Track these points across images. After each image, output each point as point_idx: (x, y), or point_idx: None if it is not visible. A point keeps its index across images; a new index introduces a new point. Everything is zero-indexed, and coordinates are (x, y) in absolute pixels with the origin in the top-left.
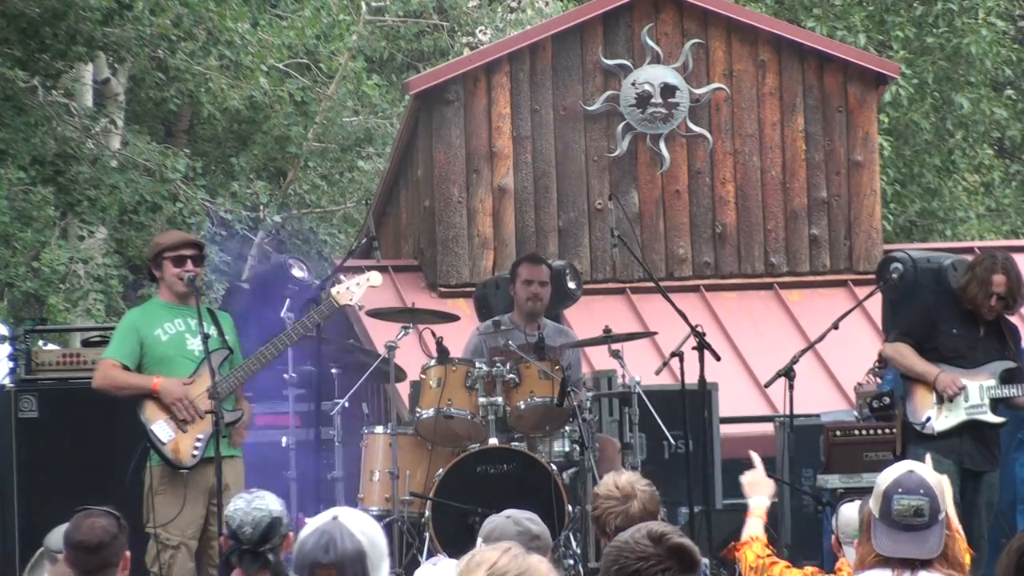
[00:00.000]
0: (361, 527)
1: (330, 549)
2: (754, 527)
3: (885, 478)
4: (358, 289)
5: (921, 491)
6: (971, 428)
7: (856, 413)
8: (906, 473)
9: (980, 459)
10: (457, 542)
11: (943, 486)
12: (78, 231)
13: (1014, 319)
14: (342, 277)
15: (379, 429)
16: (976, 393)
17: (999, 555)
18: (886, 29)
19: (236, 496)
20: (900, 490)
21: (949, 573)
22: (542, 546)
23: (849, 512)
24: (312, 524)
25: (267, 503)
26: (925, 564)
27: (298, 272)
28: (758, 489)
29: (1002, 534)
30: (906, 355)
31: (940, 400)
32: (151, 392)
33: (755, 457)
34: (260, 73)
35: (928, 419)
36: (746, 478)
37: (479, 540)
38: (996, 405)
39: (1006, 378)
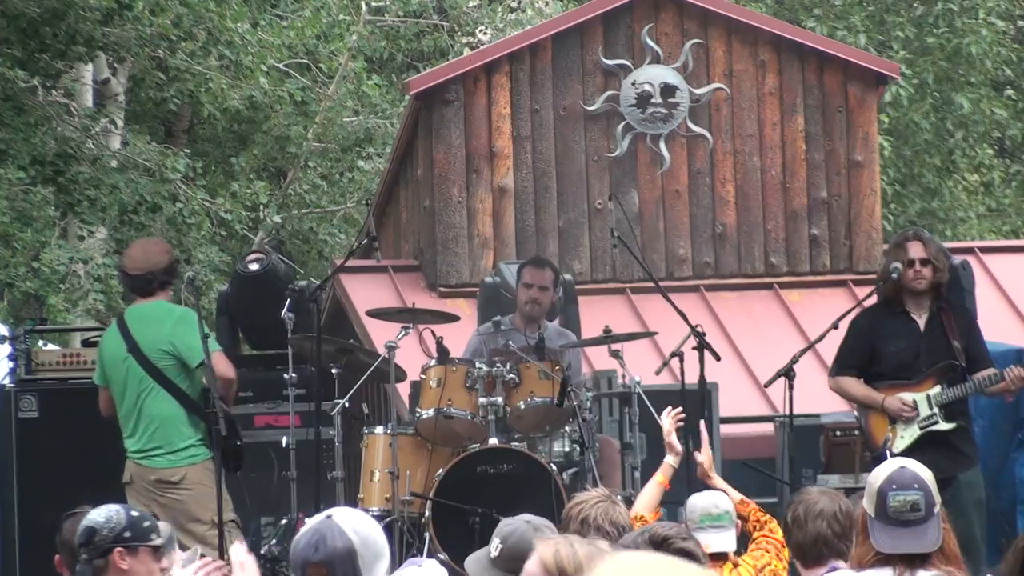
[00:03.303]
0: (354, 526)
1: (320, 547)
2: (644, 498)
3: (877, 476)
4: None
5: (915, 486)
6: (930, 439)
7: (856, 413)
8: (898, 469)
9: (947, 465)
10: (457, 542)
11: (934, 479)
12: (78, 231)
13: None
14: None
15: (379, 429)
16: (925, 404)
17: (1000, 555)
18: (886, 29)
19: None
20: (894, 487)
21: (948, 570)
22: None
23: (695, 501)
24: (307, 524)
25: (95, 513)
26: (924, 562)
27: (253, 266)
28: (669, 448)
29: (1002, 534)
30: (847, 388)
31: (893, 421)
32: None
33: (664, 418)
34: (260, 73)
35: (886, 441)
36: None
37: (496, 540)
38: (949, 409)
39: (951, 379)
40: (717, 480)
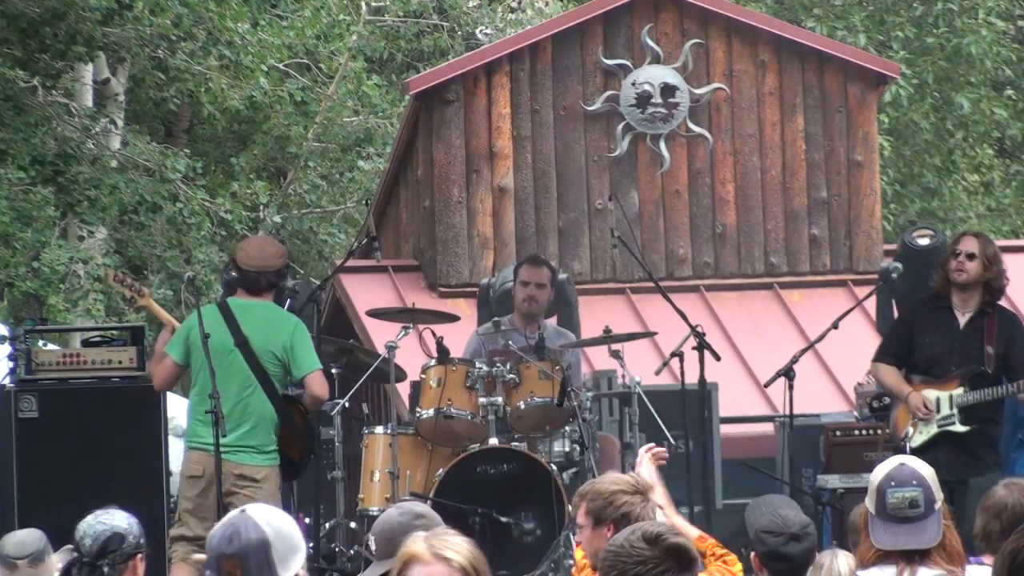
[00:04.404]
0: (268, 518)
1: (233, 539)
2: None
3: (877, 474)
4: None
5: (914, 482)
6: (947, 438)
7: (856, 413)
8: (898, 467)
9: (960, 467)
10: None
11: (935, 476)
12: (78, 231)
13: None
14: None
15: (379, 429)
16: (946, 403)
17: None
18: (886, 29)
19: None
20: (893, 483)
21: (950, 569)
22: (428, 524)
23: None
24: (223, 519)
25: (113, 519)
26: (924, 559)
27: (235, 273)
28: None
29: None
30: (881, 376)
31: (915, 416)
32: None
33: (642, 451)
34: (260, 73)
35: (906, 435)
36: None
37: (370, 537)
38: (969, 412)
39: (975, 383)
40: (671, 514)
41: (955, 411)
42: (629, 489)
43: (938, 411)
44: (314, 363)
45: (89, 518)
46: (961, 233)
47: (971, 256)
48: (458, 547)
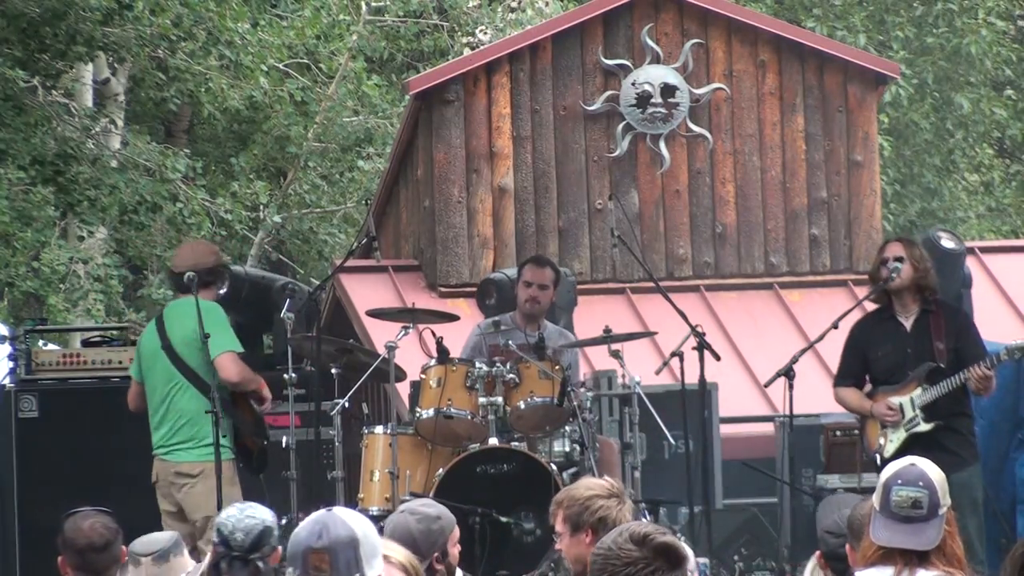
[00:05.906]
0: (355, 519)
1: (323, 535)
2: None
3: (887, 471)
4: None
5: (920, 483)
6: (918, 441)
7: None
8: (907, 466)
9: (938, 466)
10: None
11: (945, 481)
12: (78, 231)
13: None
14: None
15: (379, 429)
16: (909, 407)
17: (1001, 556)
18: (886, 29)
19: (230, 505)
20: (900, 481)
21: (949, 571)
22: (446, 525)
23: None
24: (307, 518)
25: (259, 512)
26: (924, 561)
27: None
28: None
29: (1002, 534)
30: (844, 399)
31: (884, 426)
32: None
33: None
34: (260, 73)
35: (879, 447)
36: None
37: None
38: (931, 410)
39: (931, 379)
40: None
41: (918, 412)
42: (604, 493)
43: (903, 416)
44: (221, 344)
45: (234, 512)
46: (885, 241)
47: (899, 260)
48: (396, 550)
